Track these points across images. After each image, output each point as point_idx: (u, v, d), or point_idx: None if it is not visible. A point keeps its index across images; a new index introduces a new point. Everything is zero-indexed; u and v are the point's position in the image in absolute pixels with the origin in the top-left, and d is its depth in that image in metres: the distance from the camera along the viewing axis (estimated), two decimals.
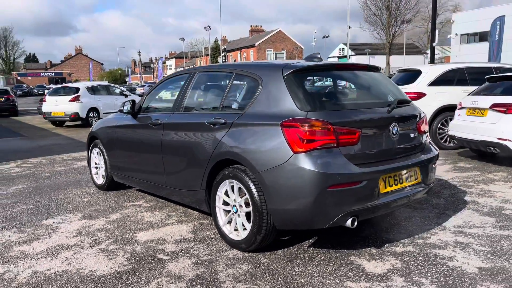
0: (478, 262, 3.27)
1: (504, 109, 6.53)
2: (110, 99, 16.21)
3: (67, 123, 16.17)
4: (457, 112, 7.73)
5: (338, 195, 3.06)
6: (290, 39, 65.89)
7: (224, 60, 49.79)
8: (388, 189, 3.34)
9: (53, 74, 69.68)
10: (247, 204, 3.42)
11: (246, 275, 3.11)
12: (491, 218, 4.26)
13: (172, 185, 4.25)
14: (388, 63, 41.28)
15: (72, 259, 3.48)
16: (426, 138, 3.91)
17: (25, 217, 4.65)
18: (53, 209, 4.91)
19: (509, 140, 6.33)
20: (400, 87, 9.26)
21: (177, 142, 4.09)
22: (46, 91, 32.74)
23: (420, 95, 8.82)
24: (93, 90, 16.07)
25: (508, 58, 17.24)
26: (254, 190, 3.28)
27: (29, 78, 68.93)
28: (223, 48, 50.96)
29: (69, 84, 18.21)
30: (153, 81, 61.80)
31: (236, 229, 3.56)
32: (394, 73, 11.25)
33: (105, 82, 25.83)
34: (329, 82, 5.24)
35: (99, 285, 3.02)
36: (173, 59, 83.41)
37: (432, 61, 17.17)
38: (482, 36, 36.31)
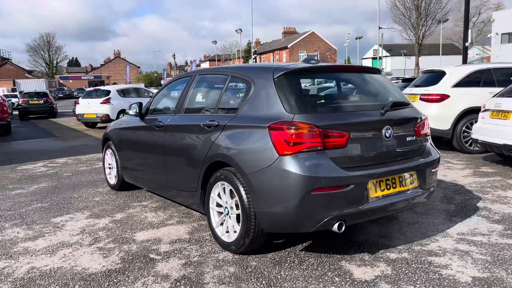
0: (474, 271, 3.13)
1: None
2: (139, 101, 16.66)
3: (98, 125, 16.71)
4: (480, 114, 7.43)
5: (323, 199, 3.02)
6: (323, 40, 65.36)
7: (254, 63, 50.03)
8: (380, 193, 3.26)
9: (93, 77, 72.25)
10: (237, 206, 3.43)
11: (231, 277, 3.11)
12: (499, 225, 4.07)
13: (173, 187, 4.31)
14: (417, 64, 40.06)
15: (69, 256, 3.60)
16: (426, 142, 3.78)
17: (37, 214, 4.85)
18: (65, 208, 5.09)
19: None
20: (423, 88, 9.08)
21: (176, 143, 4.16)
22: None
23: (443, 97, 8.55)
24: (123, 93, 16.55)
25: None
26: (243, 192, 3.29)
27: (70, 81, 71.78)
28: (254, 50, 51.12)
29: (101, 87, 18.82)
30: None
31: (227, 231, 3.58)
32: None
33: (136, 85, 26.53)
34: (328, 84, 5.17)
35: (88, 282, 3.11)
36: (207, 62, 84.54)
37: (464, 61, 16.56)
38: None
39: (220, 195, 3.61)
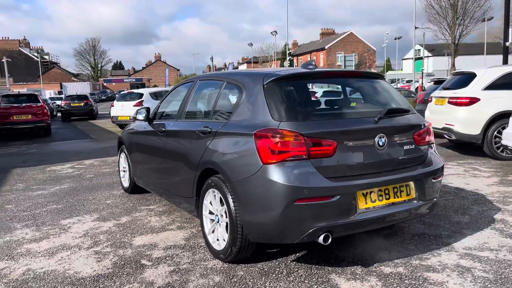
0: None
1: None
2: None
3: None
4: (511, 119, 7.01)
5: (307, 210, 2.92)
6: (362, 41, 64.10)
7: (289, 65, 49.71)
8: (370, 205, 3.11)
9: (134, 80, 74.46)
10: (226, 214, 3.38)
11: (214, 287, 3.07)
12: None
13: (175, 192, 4.33)
14: (453, 65, 38.24)
15: (65, 259, 3.68)
16: (428, 150, 3.59)
17: (48, 216, 5.02)
18: (76, 210, 5.24)
19: None
20: (451, 91, 8.67)
21: (175, 149, 4.18)
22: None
23: (473, 100, 8.13)
24: (155, 96, 16.89)
25: None
26: (230, 200, 3.24)
27: (113, 84, 74.33)
28: (289, 52, 50.85)
29: (134, 90, 19.35)
30: None
31: (218, 239, 3.54)
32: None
33: (169, 88, 27.05)
34: (334, 90, 5.01)
35: (76, 286, 3.16)
36: (245, 64, 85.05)
37: (505, 62, 15.72)
38: None
39: (212, 203, 3.58)
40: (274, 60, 56.87)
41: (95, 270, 3.43)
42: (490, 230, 4.06)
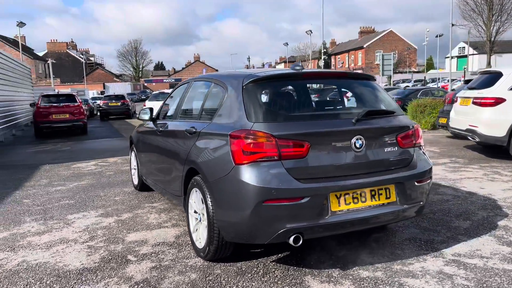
0: None
1: None
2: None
3: None
4: None
5: (276, 210, 2.92)
6: (402, 39, 62.34)
7: (324, 64, 49.11)
8: (344, 207, 3.07)
9: (173, 80, 76.12)
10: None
11: (188, 285, 3.13)
12: (508, 248, 3.62)
13: (169, 191, 4.44)
14: (488, 64, 36.29)
15: (60, 253, 3.86)
16: (415, 152, 3.48)
17: (58, 211, 5.27)
18: (85, 206, 5.46)
19: None
20: (476, 91, 8.31)
21: (169, 148, 4.28)
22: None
23: (498, 101, 7.77)
24: None
25: None
26: (208, 200, 3.30)
27: (154, 84, 76.31)
28: (324, 51, 50.18)
29: (165, 90, 19.84)
30: None
31: (200, 238, 3.60)
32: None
33: None
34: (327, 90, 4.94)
35: (60, 279, 3.32)
36: (282, 64, 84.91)
37: None
38: None
39: (196, 202, 3.65)
40: (310, 59, 56.41)
41: (83, 264, 3.59)
42: (488, 237, 3.89)
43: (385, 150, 3.30)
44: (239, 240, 3.20)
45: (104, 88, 56.71)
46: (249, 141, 3.00)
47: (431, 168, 3.52)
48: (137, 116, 5.29)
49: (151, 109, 5.17)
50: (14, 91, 18.01)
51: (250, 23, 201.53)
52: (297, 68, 3.60)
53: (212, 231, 3.27)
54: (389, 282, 3.07)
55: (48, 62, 47.48)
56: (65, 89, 35.90)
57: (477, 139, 8.09)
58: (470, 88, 8.73)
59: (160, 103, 17.61)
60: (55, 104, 16.31)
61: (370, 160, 3.23)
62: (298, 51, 70.73)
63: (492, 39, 34.99)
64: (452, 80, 39.88)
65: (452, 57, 61.43)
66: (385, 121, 3.37)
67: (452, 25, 30.74)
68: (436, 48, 68.49)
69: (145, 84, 76.42)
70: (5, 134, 14.99)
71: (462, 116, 8.57)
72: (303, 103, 3.58)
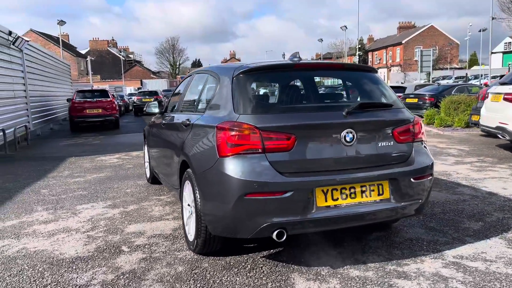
0: None
1: None
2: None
3: None
4: None
5: (258, 204, 2.84)
6: (443, 34, 60.02)
7: (359, 60, 48.04)
8: (331, 203, 2.94)
9: None
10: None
11: (172, 277, 3.11)
12: None
13: (170, 182, 4.45)
14: None
15: (59, 241, 3.95)
16: (413, 147, 3.29)
17: (69, 201, 5.40)
18: (95, 197, 5.57)
19: None
20: (507, 87, 7.83)
21: (168, 140, 4.29)
22: None
23: None
24: None
25: None
26: (196, 192, 3.26)
27: None
28: (358, 47, 49.08)
29: None
30: None
31: (191, 231, 3.57)
32: None
33: None
34: (329, 82, 4.76)
35: (53, 266, 3.38)
36: (317, 60, 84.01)
37: None
38: None
39: (188, 194, 3.62)
40: (346, 55, 55.43)
41: (77, 253, 3.64)
42: (497, 239, 3.64)
43: (379, 145, 3.14)
44: (223, 233, 3.14)
45: (141, 85, 58.10)
46: (234, 133, 2.93)
47: (432, 164, 3.32)
48: (144, 109, 5.33)
49: (159, 102, 5.19)
50: (53, 87, 18.70)
51: (287, 20, 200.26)
52: (295, 59, 3.49)
53: (200, 224, 3.23)
54: (379, 282, 2.92)
55: (87, 59, 49.19)
56: (103, 85, 37.04)
57: (507, 137, 7.65)
58: (502, 84, 8.25)
59: None
60: (89, 99, 16.85)
61: (362, 154, 3.08)
62: (334, 47, 69.74)
63: None
64: (494, 77, 37.98)
65: (497, 53, 58.61)
66: (379, 114, 3.20)
67: (492, 18, 29.25)
68: (475, 43, 65.45)
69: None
70: (42, 128, 15.60)
71: (493, 112, 8.13)
72: (293, 95, 3.47)
